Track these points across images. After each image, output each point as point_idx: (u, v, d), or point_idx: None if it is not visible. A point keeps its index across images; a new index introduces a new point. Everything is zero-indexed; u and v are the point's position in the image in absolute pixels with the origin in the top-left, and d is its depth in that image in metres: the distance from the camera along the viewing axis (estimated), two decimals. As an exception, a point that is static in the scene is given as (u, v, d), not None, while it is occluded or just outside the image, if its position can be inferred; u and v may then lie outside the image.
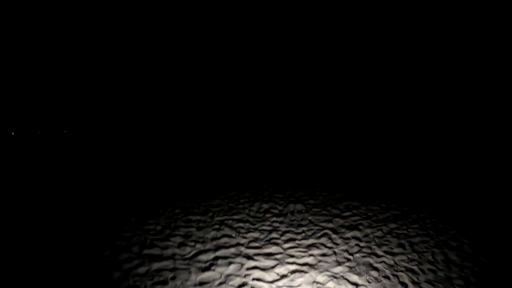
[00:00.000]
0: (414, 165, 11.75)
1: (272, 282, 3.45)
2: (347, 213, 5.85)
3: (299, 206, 6.07)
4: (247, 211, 5.89)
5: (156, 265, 3.84)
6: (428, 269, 3.87)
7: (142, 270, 3.75)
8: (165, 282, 3.48)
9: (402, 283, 3.52)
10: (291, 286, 3.37)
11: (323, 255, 4.11)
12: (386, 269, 3.82)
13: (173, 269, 3.75)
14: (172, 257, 4.06)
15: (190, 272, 3.66)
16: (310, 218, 5.57)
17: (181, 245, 4.40)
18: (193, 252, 4.17)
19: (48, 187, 7.63)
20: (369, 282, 3.49)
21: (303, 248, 4.30)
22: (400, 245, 4.54)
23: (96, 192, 7.20)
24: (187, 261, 3.93)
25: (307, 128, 20.58)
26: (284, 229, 5.02)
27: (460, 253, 4.34)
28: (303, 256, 4.03)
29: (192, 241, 4.52)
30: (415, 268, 3.88)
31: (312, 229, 5.03)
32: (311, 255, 4.08)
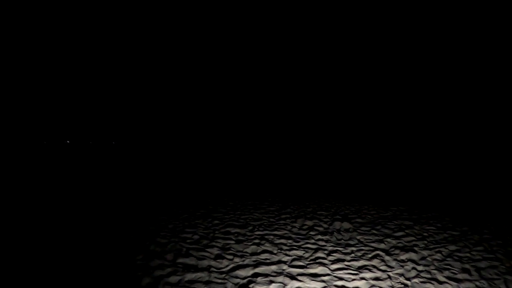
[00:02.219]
0: (468, 179, 10.71)
1: (319, 306, 3.07)
2: (400, 233, 5.31)
3: (346, 225, 5.61)
4: (289, 227, 5.54)
5: (189, 276, 3.60)
6: (506, 302, 3.28)
7: (174, 279, 3.53)
8: None
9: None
10: (341, 312, 2.97)
11: (376, 279, 3.65)
12: (453, 298, 3.29)
13: (208, 282, 3.48)
14: (208, 269, 3.79)
15: (226, 287, 3.37)
16: (359, 237, 5.10)
17: (218, 257, 4.14)
18: (230, 266, 3.89)
19: (94, 189, 7.79)
20: (434, 312, 3.00)
21: (353, 270, 3.86)
22: (465, 270, 3.94)
23: (136, 198, 7.21)
24: (223, 275, 3.64)
25: (348, 144, 19.90)
26: (330, 248, 4.60)
27: (541, 283, 3.67)
28: (353, 279, 3.60)
29: (230, 254, 4.25)
30: (489, 299, 3.31)
31: (362, 250, 4.57)
32: (362, 278, 3.64)
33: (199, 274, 3.65)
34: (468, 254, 4.48)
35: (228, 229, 5.31)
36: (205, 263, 3.97)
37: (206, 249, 4.39)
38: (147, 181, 9.83)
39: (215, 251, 4.35)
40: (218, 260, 4.05)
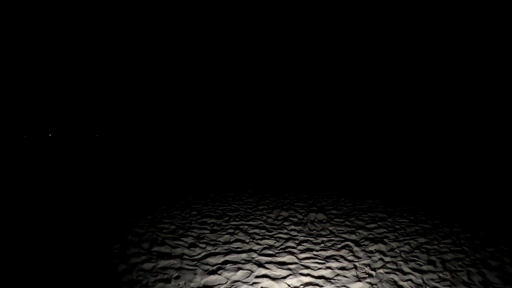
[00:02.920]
0: (446, 174, 10.96)
1: (282, 293, 3.15)
2: (372, 225, 5.42)
3: (320, 216, 5.70)
4: (264, 217, 5.62)
5: (162, 263, 3.71)
6: (463, 291, 3.39)
7: (148, 266, 3.64)
8: (168, 281, 3.30)
9: (431, 305, 3.09)
10: (302, 300, 3.04)
11: (342, 268, 3.73)
12: None
13: (179, 269, 3.57)
14: (181, 256, 3.90)
15: (195, 274, 3.45)
16: (331, 228, 5.20)
17: (191, 245, 4.21)
18: (202, 254, 3.96)
19: (74, 182, 7.75)
20: (392, 300, 3.10)
21: (321, 259, 3.95)
22: (430, 262, 4.06)
23: (118, 190, 7.21)
24: (194, 262, 3.72)
25: (333, 136, 20.05)
26: (302, 238, 4.68)
27: (501, 275, 3.79)
28: (319, 268, 3.68)
29: (203, 243, 4.31)
30: (447, 289, 3.42)
31: (332, 240, 4.66)
32: (328, 267, 3.72)
33: (171, 261, 3.75)
34: (436, 247, 4.59)
35: (204, 219, 5.37)
36: (178, 251, 4.06)
37: (181, 238, 4.47)
38: (130, 174, 9.81)
39: (190, 240, 4.43)
40: (191, 249, 4.13)
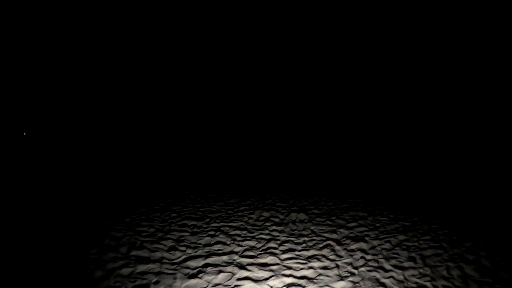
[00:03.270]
0: (424, 173, 11.23)
1: (264, 295, 3.09)
2: (353, 224, 5.44)
3: (301, 216, 5.69)
4: (246, 218, 5.55)
5: (141, 268, 3.57)
6: (443, 286, 3.43)
7: (126, 271, 3.49)
8: (146, 286, 3.17)
9: (413, 301, 3.11)
10: (285, 301, 2.99)
11: (324, 268, 3.71)
12: (395, 285, 3.40)
13: (158, 273, 3.45)
14: (160, 260, 3.77)
15: (175, 278, 3.33)
16: (312, 228, 5.19)
17: (171, 249, 4.09)
18: (182, 257, 3.85)
19: (48, 185, 7.44)
20: (374, 298, 3.09)
21: (303, 259, 3.91)
22: (411, 259, 4.10)
23: (93, 192, 6.96)
24: (174, 266, 3.61)
25: (314, 136, 20.21)
26: (283, 238, 4.64)
27: (478, 268, 3.87)
28: (301, 269, 3.65)
29: (183, 245, 4.19)
30: (428, 284, 3.44)
31: (314, 240, 4.64)
32: (310, 267, 3.69)
33: (150, 266, 3.62)
34: (415, 243, 4.65)
35: (185, 221, 5.25)
36: (158, 255, 3.93)
37: (160, 242, 4.34)
38: (108, 175, 9.53)
39: (169, 243, 4.30)
40: (171, 252, 4.01)
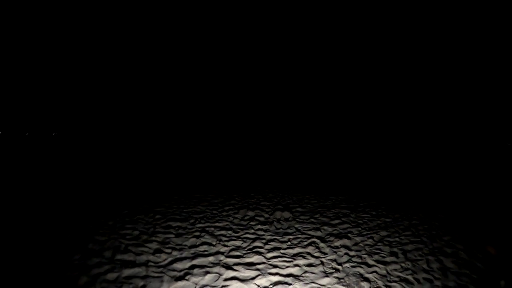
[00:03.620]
0: (404, 171, 11.54)
1: (251, 294, 3.11)
2: (336, 221, 5.55)
3: (286, 214, 5.75)
4: (231, 218, 5.56)
5: (127, 272, 3.50)
6: (424, 279, 3.55)
7: (111, 276, 3.41)
8: None
9: (396, 295, 3.21)
10: (272, 299, 3.03)
11: (310, 265, 3.78)
12: (378, 279, 3.49)
13: (145, 277, 3.40)
14: (146, 264, 3.71)
15: (162, 281, 3.32)
16: (297, 226, 5.25)
17: (156, 251, 4.04)
18: (168, 260, 3.82)
19: (30, 187, 7.21)
20: (359, 294, 3.17)
21: (288, 257, 3.97)
22: (393, 254, 4.23)
23: (73, 194, 6.79)
24: (160, 269, 3.58)
25: (296, 135, 20.37)
26: (268, 237, 4.68)
27: (456, 260, 4.04)
28: (287, 267, 3.70)
29: (168, 248, 4.16)
30: (410, 277, 3.56)
31: (298, 238, 4.70)
32: (296, 265, 3.75)
33: (136, 270, 3.56)
34: (397, 239, 4.80)
35: (169, 223, 5.20)
36: (143, 258, 3.87)
37: (145, 244, 4.27)
38: (89, 177, 9.32)
39: (154, 245, 4.25)
40: (156, 255, 3.97)
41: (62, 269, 3.54)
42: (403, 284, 3.40)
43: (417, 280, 3.53)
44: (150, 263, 3.73)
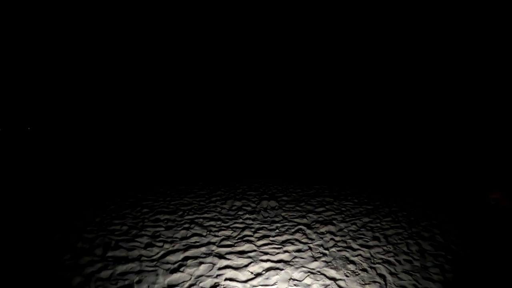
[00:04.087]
0: (383, 161, 11.98)
1: (246, 281, 3.25)
2: (321, 209, 5.77)
3: (272, 203, 5.91)
4: (219, 209, 5.67)
5: (120, 268, 3.51)
6: (404, 260, 3.82)
7: (105, 274, 3.41)
8: (130, 286, 3.18)
9: (380, 275, 3.43)
10: (266, 285, 3.18)
11: (298, 251, 3.96)
12: (363, 262, 3.72)
13: (139, 272, 3.44)
14: (138, 259, 3.74)
15: (157, 275, 3.38)
16: (283, 214, 5.44)
17: (148, 245, 4.09)
18: (161, 253, 3.89)
19: (8, 186, 7.03)
20: (347, 276, 3.37)
21: (278, 244, 4.14)
22: (375, 238, 4.48)
23: (58, 191, 6.69)
24: (154, 263, 3.64)
25: (278, 125, 20.57)
26: (257, 226, 4.84)
27: (433, 243, 4.35)
28: (277, 253, 3.87)
29: (160, 241, 4.23)
30: (392, 259, 3.82)
31: (286, 225, 4.89)
32: (286, 251, 3.93)
33: (130, 265, 3.57)
34: (378, 224, 5.07)
35: (158, 216, 5.25)
36: (135, 253, 3.88)
37: (136, 239, 4.30)
38: (69, 172, 9.15)
39: (145, 239, 4.28)
40: (148, 249, 4.00)
41: (53, 270, 3.49)
42: (386, 265, 3.65)
43: (399, 261, 3.78)
44: (143, 258, 3.76)
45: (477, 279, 3.48)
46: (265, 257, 3.73)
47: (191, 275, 3.37)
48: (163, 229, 4.69)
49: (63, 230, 4.63)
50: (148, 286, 3.18)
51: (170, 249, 4.01)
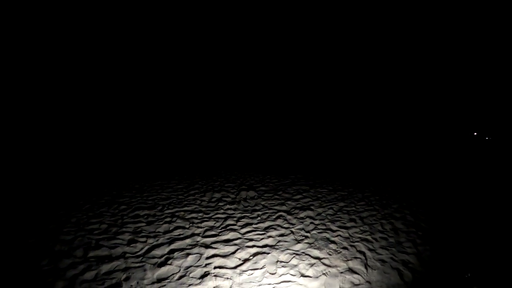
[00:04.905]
0: (356, 151, 12.45)
1: (235, 267, 3.34)
2: (298, 196, 5.96)
3: (251, 193, 6.03)
4: (198, 201, 5.70)
5: (105, 267, 3.41)
6: (380, 237, 4.08)
7: (89, 275, 3.29)
8: (118, 285, 3.10)
9: (360, 252, 3.65)
10: (255, 269, 3.29)
11: (282, 235, 4.11)
12: (343, 241, 3.93)
13: (126, 269, 3.36)
14: (123, 256, 3.66)
15: (145, 270, 3.33)
16: (263, 203, 5.56)
17: (131, 242, 4.04)
18: (145, 248, 3.86)
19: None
20: (329, 254, 3.56)
21: (261, 231, 4.26)
22: (352, 220, 4.73)
23: (26, 193, 6.39)
24: (140, 258, 3.59)
25: (252, 118, 20.67)
26: (239, 215, 4.93)
27: (404, 222, 4.68)
28: (262, 239, 3.99)
29: (143, 236, 4.20)
30: (369, 237, 4.06)
31: (267, 213, 5.02)
32: (269, 236, 4.05)
33: (115, 263, 3.48)
34: (353, 208, 5.35)
35: (137, 212, 5.19)
36: (119, 250, 3.79)
37: (117, 236, 4.20)
38: (39, 173, 8.74)
39: (127, 236, 4.21)
40: (132, 245, 3.92)
41: (32, 278, 3.28)
42: (364, 243, 3.88)
43: (375, 239, 4.04)
44: (128, 254, 3.68)
45: (444, 249, 3.81)
46: (250, 243, 3.84)
47: (180, 266, 3.40)
48: (144, 224, 4.65)
49: (37, 234, 4.36)
50: (137, 282, 3.14)
51: (155, 243, 3.99)
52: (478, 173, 8.61)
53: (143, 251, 3.79)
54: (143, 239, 4.11)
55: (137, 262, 3.51)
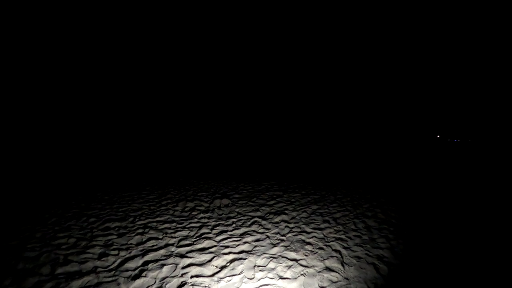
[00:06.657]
0: (326, 155, 12.72)
1: (212, 275, 3.29)
2: (272, 202, 6.00)
3: (225, 201, 5.99)
4: (171, 211, 5.58)
5: (75, 284, 3.24)
6: (354, 235, 4.19)
7: None
8: None
9: (336, 251, 3.72)
10: (233, 275, 3.26)
11: (257, 240, 4.10)
12: (318, 242, 3.99)
13: (98, 284, 3.22)
14: (94, 270, 3.49)
15: (118, 284, 3.20)
16: (237, 210, 5.55)
17: (102, 255, 3.87)
18: (118, 261, 3.71)
19: None
20: (306, 255, 3.59)
21: (236, 237, 4.23)
22: (325, 221, 4.81)
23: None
24: (112, 272, 3.45)
25: (222, 126, 20.61)
26: (213, 223, 4.88)
27: (376, 220, 4.85)
28: (238, 245, 3.96)
29: (114, 249, 4.04)
30: (343, 236, 4.15)
31: (241, 219, 5.00)
32: (245, 242, 4.04)
33: (86, 279, 3.32)
34: (326, 210, 5.45)
35: (107, 224, 4.99)
36: (89, 265, 3.62)
37: (87, 251, 4.01)
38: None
39: (98, 250, 4.03)
40: (103, 259, 3.76)
41: None
42: (339, 242, 3.96)
43: (349, 237, 4.13)
44: (99, 269, 3.52)
45: (415, 241, 3.97)
46: (226, 250, 3.80)
47: (155, 278, 3.30)
48: (115, 236, 4.48)
49: (-3, 252, 4.11)
50: (112, 296, 3.03)
51: (127, 256, 3.85)
52: (442, 171, 9.07)
53: (115, 264, 3.64)
54: (115, 252, 3.96)
55: (109, 276, 3.37)
